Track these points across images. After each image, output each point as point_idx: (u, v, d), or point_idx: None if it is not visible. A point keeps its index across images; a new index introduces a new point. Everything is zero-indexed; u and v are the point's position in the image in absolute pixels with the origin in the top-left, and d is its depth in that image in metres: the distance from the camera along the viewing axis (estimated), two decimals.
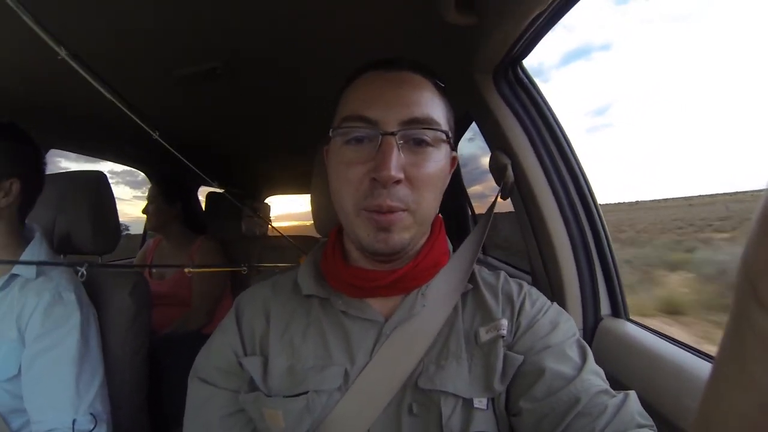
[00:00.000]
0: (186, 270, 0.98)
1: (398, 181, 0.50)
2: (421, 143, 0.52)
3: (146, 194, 1.72)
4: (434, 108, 0.53)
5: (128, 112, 0.76)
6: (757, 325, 0.16)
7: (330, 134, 0.55)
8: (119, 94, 0.75)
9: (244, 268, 1.01)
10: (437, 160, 0.53)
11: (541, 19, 0.68)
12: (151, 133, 0.84)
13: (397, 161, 0.49)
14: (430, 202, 0.53)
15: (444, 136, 0.53)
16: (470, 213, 1.79)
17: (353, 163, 0.52)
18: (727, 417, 0.19)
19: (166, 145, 0.85)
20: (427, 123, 0.52)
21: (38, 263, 0.85)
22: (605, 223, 0.86)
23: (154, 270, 1.73)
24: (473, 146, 1.82)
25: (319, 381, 0.53)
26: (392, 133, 0.50)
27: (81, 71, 0.70)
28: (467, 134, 1.62)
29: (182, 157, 1.00)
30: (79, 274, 0.85)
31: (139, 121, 0.78)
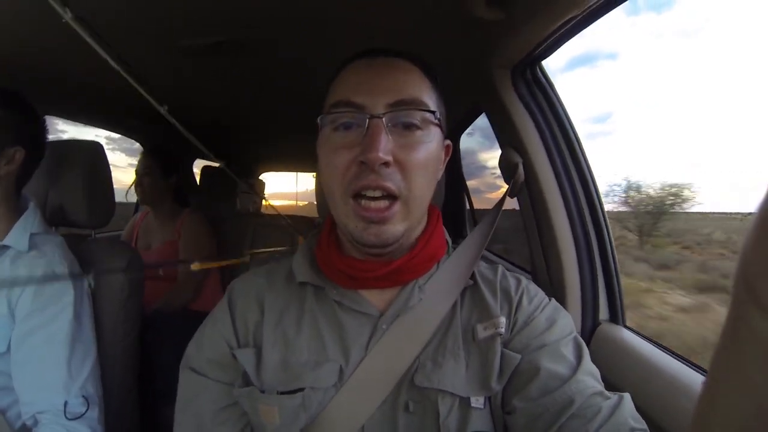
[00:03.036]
0: (192, 266, 0.96)
1: (387, 164, 0.49)
2: (410, 126, 0.51)
3: (136, 168, 1.66)
4: (422, 91, 0.52)
5: (136, 86, 0.72)
6: (754, 327, 0.16)
7: (318, 122, 0.54)
8: (126, 63, 0.71)
9: (247, 258, 0.99)
10: (427, 143, 0.52)
11: (572, 23, 0.66)
12: (158, 108, 0.80)
13: (384, 143, 0.48)
14: (422, 188, 0.52)
15: (432, 118, 0.52)
16: (469, 207, 1.79)
17: (340, 148, 0.51)
18: (724, 420, 0.19)
19: (172, 120, 0.82)
20: (415, 104, 0.51)
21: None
22: (610, 229, 0.86)
23: (139, 244, 1.69)
24: (471, 141, 1.80)
25: (314, 378, 0.52)
26: (379, 116, 0.49)
27: (86, 37, 0.65)
28: (467, 129, 1.60)
29: (181, 129, 0.96)
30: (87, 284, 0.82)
31: (147, 95, 0.74)
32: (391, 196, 0.50)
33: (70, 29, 0.64)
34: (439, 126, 0.54)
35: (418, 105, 0.51)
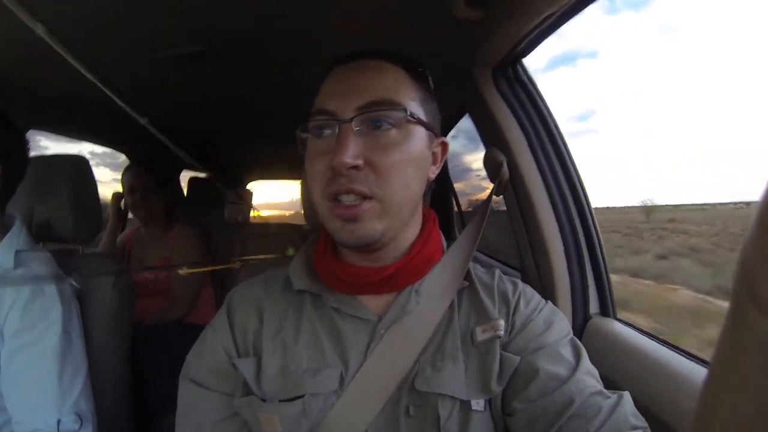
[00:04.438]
0: (180, 272, 0.96)
1: (356, 167, 0.48)
2: (380, 126, 0.50)
3: (125, 181, 1.63)
4: (397, 90, 0.51)
5: (113, 97, 0.72)
6: (754, 327, 0.16)
7: (297, 132, 0.55)
8: (104, 77, 0.71)
9: (237, 265, 0.99)
10: (402, 143, 0.51)
11: (550, 20, 0.67)
12: (139, 119, 0.80)
13: (352, 148, 0.48)
14: (399, 188, 0.51)
15: (404, 114, 0.50)
16: (457, 210, 1.79)
17: (317, 155, 0.51)
18: (725, 419, 0.19)
19: (153, 131, 0.82)
20: (386, 104, 0.50)
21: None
22: (597, 222, 0.87)
23: (132, 259, 1.68)
24: (455, 143, 1.80)
25: (314, 384, 0.52)
26: (347, 120, 0.49)
27: (61, 51, 0.65)
28: (451, 132, 1.60)
29: (167, 141, 0.96)
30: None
31: (125, 107, 0.74)
32: (364, 196, 0.50)
33: (47, 43, 0.64)
34: (422, 124, 0.53)
35: (389, 105, 0.50)
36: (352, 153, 0.48)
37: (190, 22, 0.88)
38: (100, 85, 0.76)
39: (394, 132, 0.50)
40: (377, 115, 0.50)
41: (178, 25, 0.88)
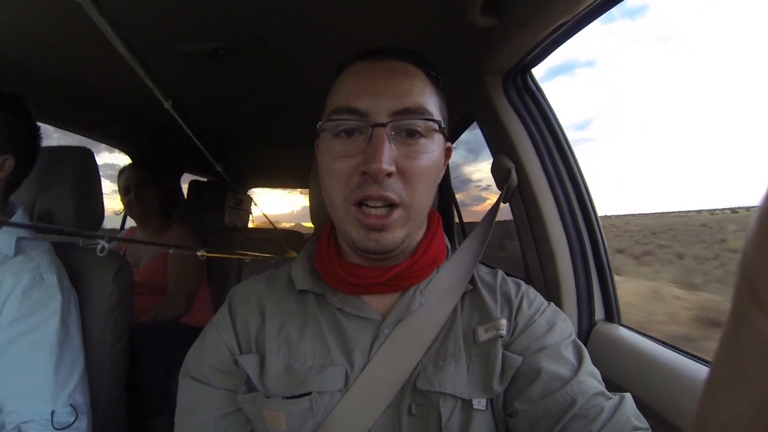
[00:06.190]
0: (198, 253, 0.95)
1: (390, 174, 0.48)
2: (413, 134, 0.50)
3: (120, 184, 1.64)
4: (426, 97, 0.52)
5: (144, 77, 0.71)
6: (756, 327, 0.16)
7: (318, 128, 0.54)
8: (139, 56, 0.71)
9: (248, 258, 0.98)
10: (430, 152, 0.51)
11: (563, 29, 0.69)
12: (163, 101, 0.79)
13: (388, 153, 0.48)
14: (424, 196, 0.52)
15: (436, 126, 0.51)
16: (459, 219, 1.80)
17: (343, 156, 0.50)
18: (725, 419, 0.19)
19: (176, 116, 0.81)
20: (419, 113, 0.50)
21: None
22: (602, 229, 0.88)
23: (127, 257, 1.65)
24: (455, 155, 1.83)
25: (320, 382, 0.51)
26: (383, 125, 0.48)
27: (105, 32, 0.65)
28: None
29: (188, 130, 0.95)
30: (99, 247, 0.81)
31: (153, 87, 0.74)
32: (392, 204, 0.50)
33: (74, 23, 0.63)
34: (442, 132, 0.53)
35: (422, 113, 0.50)
36: (388, 159, 0.47)
37: (209, 19, 0.88)
38: (134, 66, 0.75)
39: (423, 140, 0.51)
40: (412, 124, 0.50)
41: (197, 20, 0.89)
